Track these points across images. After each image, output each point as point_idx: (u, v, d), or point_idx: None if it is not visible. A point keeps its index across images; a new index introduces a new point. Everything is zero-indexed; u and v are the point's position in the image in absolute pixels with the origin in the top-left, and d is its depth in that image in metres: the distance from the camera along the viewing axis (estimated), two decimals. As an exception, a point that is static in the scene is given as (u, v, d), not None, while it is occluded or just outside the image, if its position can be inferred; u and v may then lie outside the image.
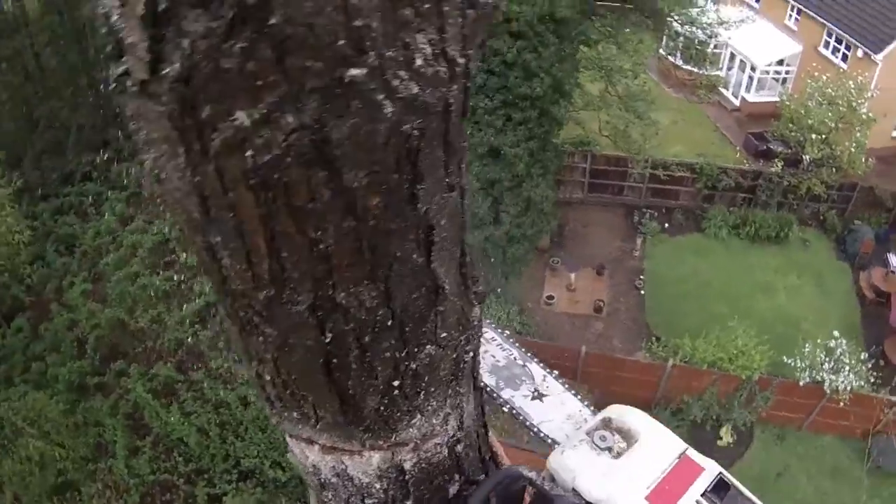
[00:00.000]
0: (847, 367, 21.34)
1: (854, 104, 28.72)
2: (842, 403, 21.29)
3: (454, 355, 1.59)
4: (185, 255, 22.20)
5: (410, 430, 1.62)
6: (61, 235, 24.41)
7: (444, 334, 1.51)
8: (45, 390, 19.81)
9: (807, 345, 21.84)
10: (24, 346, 21.60)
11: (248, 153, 1.02)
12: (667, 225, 29.33)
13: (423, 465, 1.74)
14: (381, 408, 1.53)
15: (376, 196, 1.14)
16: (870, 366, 21.88)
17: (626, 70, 25.34)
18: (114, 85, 1.02)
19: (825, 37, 34.19)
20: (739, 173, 29.69)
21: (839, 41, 33.50)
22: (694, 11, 27.42)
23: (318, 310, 1.29)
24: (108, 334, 21.34)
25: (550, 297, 25.29)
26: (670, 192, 29.78)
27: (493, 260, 22.48)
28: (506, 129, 20.72)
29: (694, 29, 27.86)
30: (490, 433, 2.05)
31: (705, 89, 29.75)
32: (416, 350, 1.47)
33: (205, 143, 1.03)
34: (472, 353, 1.67)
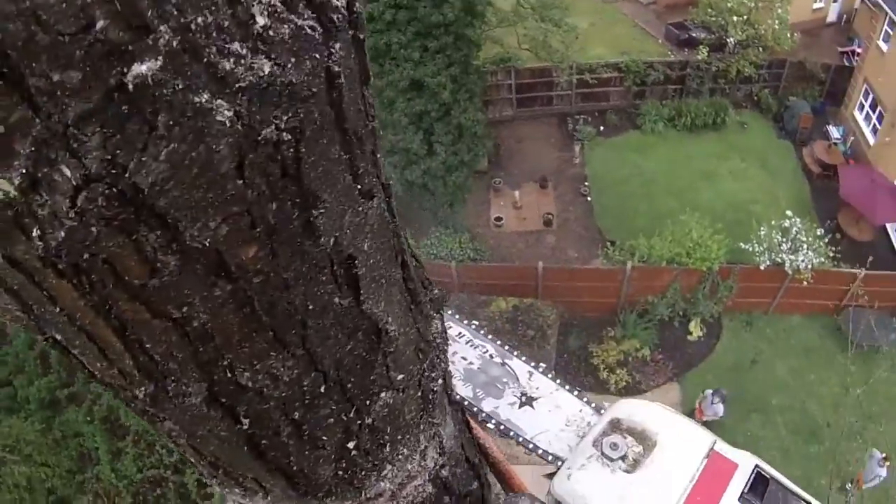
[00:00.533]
0: (805, 245, 21.33)
1: (771, -20, 28.41)
2: (805, 282, 21.35)
3: (418, 393, 1.27)
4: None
5: (382, 483, 1.30)
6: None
7: (401, 376, 1.18)
8: (18, 414, 19.60)
9: (762, 228, 21.79)
10: (-12, 374, 21.25)
11: (35, 233, 0.66)
12: (602, 128, 29.10)
13: None
14: (340, 472, 1.21)
15: (251, 245, 0.74)
16: (827, 241, 21.81)
17: (536, -23, 24.71)
18: None
19: (732, -88, 33.86)
20: (666, 65, 29.53)
21: (750, -82, 33.17)
22: None
23: (220, 397, 0.93)
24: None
25: (499, 219, 25.09)
26: (600, 95, 29.52)
27: (433, 193, 22.11)
28: (424, 59, 20.32)
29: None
30: (477, 428, 1.83)
31: (618, -15, 29.36)
32: (367, 404, 1.13)
33: None
34: (440, 379, 1.36)
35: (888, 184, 24.74)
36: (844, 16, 36.42)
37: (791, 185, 27.14)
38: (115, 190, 0.63)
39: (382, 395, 1.17)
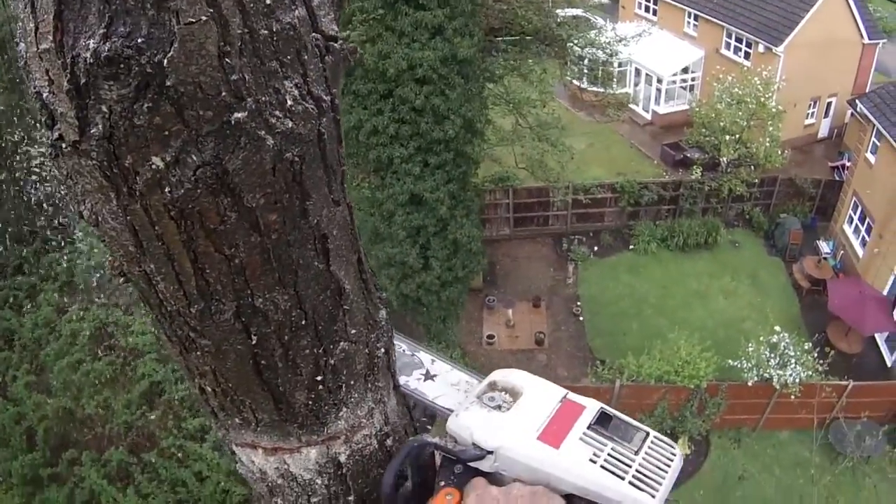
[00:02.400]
0: (793, 360, 21.51)
1: (762, 99, 29.15)
2: (793, 397, 21.42)
3: (366, 350, 1.79)
4: (125, 338, 22.01)
5: (339, 422, 1.80)
6: (-2, 330, 24.15)
7: (354, 331, 1.72)
8: None
9: (750, 344, 21.98)
10: (-28, 445, 21.24)
11: (166, 189, 1.24)
12: (596, 248, 29.49)
13: (357, 457, 1.90)
14: (310, 402, 1.71)
15: (273, 213, 1.36)
16: (815, 354, 22.00)
17: (534, 100, 25.55)
18: (50, 150, 1.27)
19: (725, 38, 35.08)
20: (660, 186, 30.00)
21: (739, 40, 34.37)
22: (592, 33, 27.67)
23: (242, 315, 1.49)
24: (57, 424, 21.11)
25: (491, 337, 25.30)
26: (595, 215, 30.00)
27: (427, 307, 22.43)
28: (424, 175, 20.74)
29: (594, 50, 28.06)
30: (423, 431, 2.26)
31: (614, 108, 30.08)
32: (331, 346, 1.66)
33: (131, 186, 1.25)
34: (383, 350, 1.88)
35: (876, 294, 25.12)
36: (835, 130, 37.05)
37: (781, 302, 27.37)
38: (216, 170, 1.24)
39: (341, 343, 1.69)
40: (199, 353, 1.60)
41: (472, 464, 2.05)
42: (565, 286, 27.90)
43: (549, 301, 27.06)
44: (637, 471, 1.93)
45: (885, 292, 25.58)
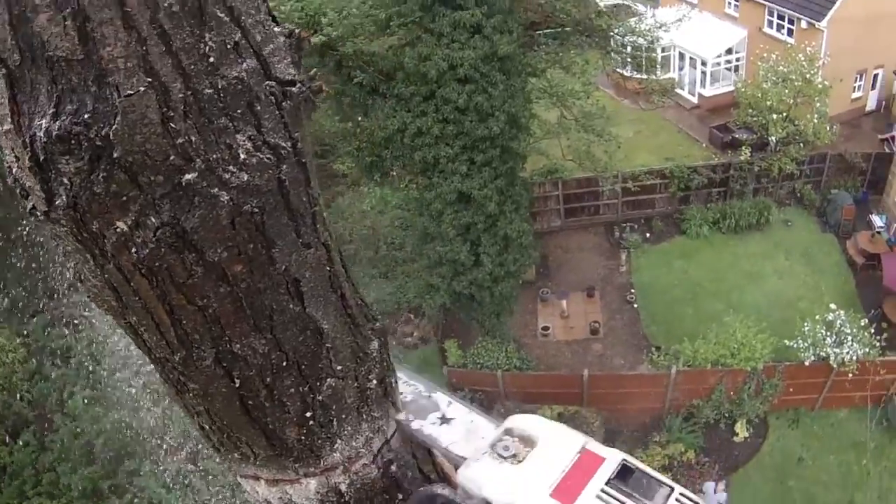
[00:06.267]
0: (850, 338, 21.28)
1: (808, 75, 28.84)
2: (850, 375, 21.22)
3: (356, 384, 1.87)
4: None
5: (335, 454, 1.88)
6: (55, 348, 24.53)
7: (341, 367, 1.79)
8: (59, 499, 20.08)
9: (806, 323, 21.77)
10: (32, 459, 21.54)
11: (133, 250, 1.36)
12: (648, 235, 29.49)
13: (358, 485, 1.97)
14: (302, 437, 1.80)
15: (238, 264, 1.46)
16: (872, 331, 21.74)
17: (578, 92, 25.42)
18: (31, 216, 1.37)
19: (767, 16, 34.61)
20: (710, 169, 29.91)
21: (781, 17, 33.92)
22: (632, 21, 27.54)
23: (222, 361, 1.60)
24: (115, 437, 21.39)
25: (546, 328, 25.42)
26: (646, 202, 30.02)
27: (480, 303, 22.65)
28: (471, 172, 20.83)
29: (635, 38, 27.80)
30: (438, 456, 2.28)
31: (659, 94, 29.85)
32: (318, 384, 1.75)
33: (102, 249, 1.37)
34: (376, 381, 1.94)
35: (932, 267, 24.56)
36: (883, 103, 36.47)
37: (835, 279, 27.16)
38: (175, 230, 1.37)
39: (328, 380, 1.78)
40: (191, 394, 1.72)
41: None
42: (619, 274, 27.95)
43: (603, 290, 27.10)
44: None
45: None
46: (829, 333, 21.48)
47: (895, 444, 21.54)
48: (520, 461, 2.37)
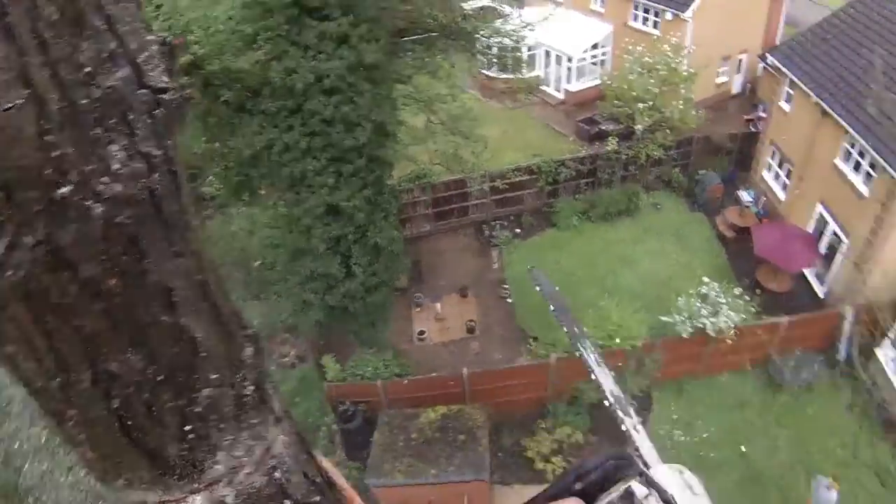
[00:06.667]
0: (724, 306, 21.98)
1: (673, 65, 29.76)
2: (729, 341, 21.92)
3: (232, 392, 1.79)
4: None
5: (217, 466, 1.79)
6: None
7: (216, 376, 1.72)
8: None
9: (680, 298, 22.47)
10: None
11: (9, 273, 1.29)
12: (518, 230, 29.83)
13: (245, 495, 1.88)
14: (184, 452, 1.72)
15: (112, 278, 1.40)
16: (748, 298, 22.62)
17: (444, 96, 25.71)
18: None
19: (633, 10, 35.66)
20: (577, 161, 30.39)
21: (647, 10, 34.99)
22: (498, 22, 27.88)
23: (100, 382, 1.53)
24: None
25: (422, 333, 25.52)
26: (515, 199, 30.36)
27: (354, 315, 22.62)
28: (339, 184, 20.84)
29: (501, 39, 28.14)
30: (321, 458, 2.20)
31: (524, 92, 30.40)
32: (194, 396, 1.68)
33: None
34: (252, 387, 1.85)
35: (801, 232, 25.86)
36: (748, 86, 38.08)
37: (707, 254, 27.98)
38: (49, 247, 1.30)
39: (204, 390, 1.69)
40: (71, 423, 1.63)
41: None
42: (491, 272, 28.21)
43: (477, 289, 27.30)
44: None
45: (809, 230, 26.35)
46: (704, 305, 22.13)
47: (777, 398, 22.23)
48: None
